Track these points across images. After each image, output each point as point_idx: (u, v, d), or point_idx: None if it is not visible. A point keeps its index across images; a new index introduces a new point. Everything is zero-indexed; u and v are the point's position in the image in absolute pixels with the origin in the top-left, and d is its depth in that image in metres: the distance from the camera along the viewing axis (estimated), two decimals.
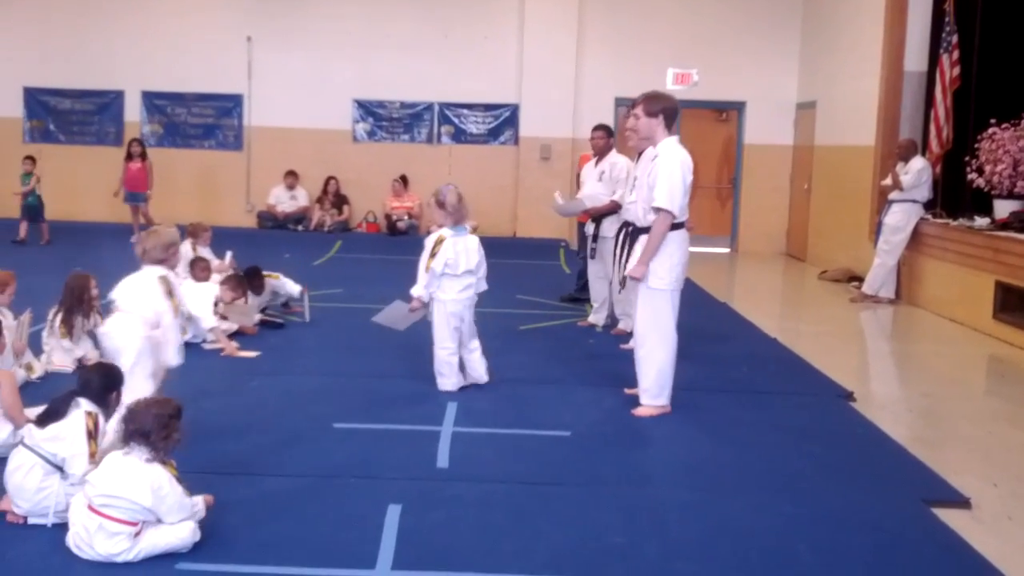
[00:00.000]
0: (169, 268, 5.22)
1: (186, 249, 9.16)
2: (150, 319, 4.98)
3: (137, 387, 4.62)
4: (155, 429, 3.72)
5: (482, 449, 5.15)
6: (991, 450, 5.63)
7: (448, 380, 6.28)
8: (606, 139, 8.47)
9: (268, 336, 7.76)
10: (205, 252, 9.34)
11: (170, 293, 5.06)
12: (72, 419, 4.06)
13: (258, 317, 8.02)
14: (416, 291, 6.24)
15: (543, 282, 11.02)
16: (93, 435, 4.04)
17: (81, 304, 6.47)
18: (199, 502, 3.90)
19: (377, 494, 4.41)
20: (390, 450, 5.08)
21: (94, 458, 3.99)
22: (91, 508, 3.69)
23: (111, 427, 4.17)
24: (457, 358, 6.31)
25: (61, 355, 6.43)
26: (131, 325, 4.97)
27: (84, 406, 4.10)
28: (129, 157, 13.49)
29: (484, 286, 6.49)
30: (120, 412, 3.98)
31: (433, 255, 6.16)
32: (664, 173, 5.62)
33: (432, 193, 6.28)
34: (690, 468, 5.07)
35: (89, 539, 3.66)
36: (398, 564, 3.75)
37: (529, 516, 4.26)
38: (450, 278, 6.21)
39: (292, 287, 8.52)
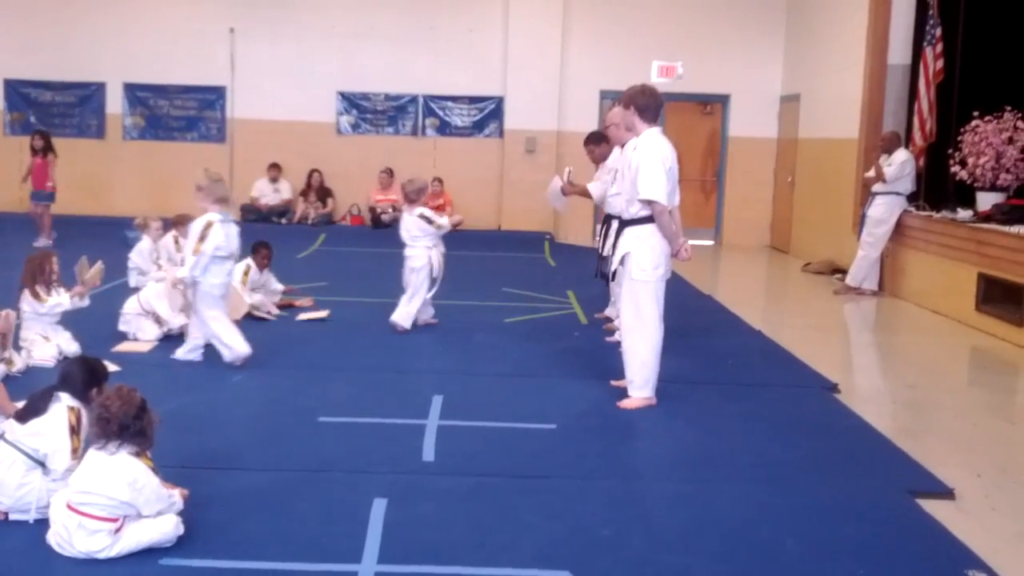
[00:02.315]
0: (421, 205, 7.79)
1: (168, 241, 9.13)
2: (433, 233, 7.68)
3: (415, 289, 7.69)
4: (147, 423, 3.69)
5: (468, 442, 5.14)
6: (975, 441, 5.66)
7: (237, 349, 6.46)
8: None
9: (252, 329, 7.69)
10: None
11: (430, 221, 7.66)
12: (54, 414, 4.01)
13: (246, 309, 7.97)
14: (181, 273, 6.39)
15: (528, 275, 11.03)
16: (76, 430, 4.00)
17: (44, 274, 6.50)
18: (175, 494, 3.86)
19: (363, 488, 4.39)
20: (375, 444, 5.06)
21: (76, 454, 3.95)
22: (70, 506, 3.64)
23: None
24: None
25: (42, 348, 6.39)
26: (422, 251, 7.62)
27: (66, 401, 4.05)
28: (32, 151, 12.63)
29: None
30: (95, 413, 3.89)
31: (202, 239, 6.28)
32: (643, 165, 5.64)
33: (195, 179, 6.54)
34: (676, 460, 5.08)
35: (69, 537, 3.63)
36: (384, 558, 3.73)
37: (515, 509, 4.25)
38: (218, 262, 6.37)
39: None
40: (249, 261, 8.14)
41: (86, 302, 6.72)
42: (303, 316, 8.18)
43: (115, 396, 3.73)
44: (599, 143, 7.97)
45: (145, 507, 3.69)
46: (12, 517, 3.94)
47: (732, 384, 6.56)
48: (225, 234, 6.36)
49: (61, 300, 6.51)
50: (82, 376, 4.14)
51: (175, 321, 7.14)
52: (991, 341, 8.41)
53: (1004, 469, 5.14)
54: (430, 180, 14.90)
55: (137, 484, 3.65)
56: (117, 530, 3.64)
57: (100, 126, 15.25)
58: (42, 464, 3.96)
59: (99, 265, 6.82)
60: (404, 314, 7.80)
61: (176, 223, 9.31)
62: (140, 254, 8.97)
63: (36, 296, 6.46)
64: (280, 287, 8.56)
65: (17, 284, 6.59)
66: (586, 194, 8.26)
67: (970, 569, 3.81)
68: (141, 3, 15.02)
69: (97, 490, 3.61)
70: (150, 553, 3.67)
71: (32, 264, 6.53)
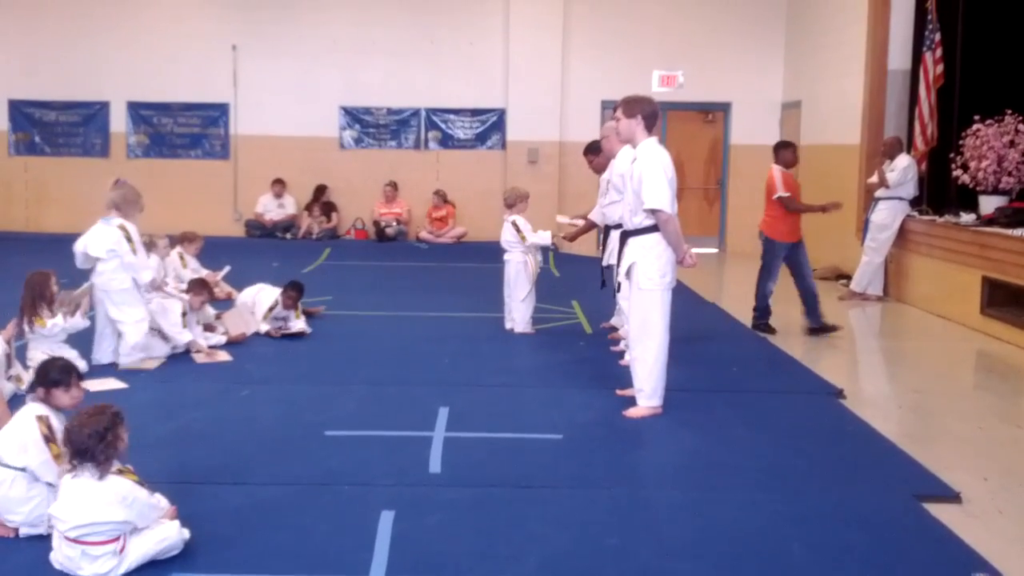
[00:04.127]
0: (517, 213, 8.22)
1: (174, 259, 9.18)
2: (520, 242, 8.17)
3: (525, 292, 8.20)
4: (93, 446, 3.62)
5: (474, 453, 5.15)
6: (981, 445, 5.66)
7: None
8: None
9: (258, 345, 7.75)
10: (192, 262, 9.34)
11: (518, 229, 8.15)
12: (24, 427, 3.99)
13: (255, 328, 7.99)
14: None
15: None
16: (50, 438, 3.96)
17: (44, 298, 6.53)
18: (160, 497, 3.86)
19: (370, 500, 4.40)
20: (382, 456, 5.07)
21: (60, 460, 3.90)
22: (68, 539, 3.62)
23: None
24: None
25: None
26: (518, 255, 8.17)
27: (34, 410, 4.03)
28: None
29: (144, 278, 6.92)
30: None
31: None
32: (646, 174, 5.67)
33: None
34: (682, 468, 5.08)
35: (75, 565, 3.63)
36: (392, 570, 3.74)
37: (522, 520, 4.26)
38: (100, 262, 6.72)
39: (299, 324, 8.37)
40: (278, 296, 8.12)
41: (85, 323, 6.73)
42: (287, 331, 8.06)
43: (83, 413, 3.72)
44: (598, 153, 7.98)
45: (140, 520, 3.70)
46: (23, 533, 3.96)
47: (737, 391, 6.56)
48: (95, 236, 6.67)
49: (57, 321, 6.52)
50: (52, 374, 4.12)
51: (182, 338, 7.17)
52: (996, 345, 8.41)
53: (1010, 472, 5.14)
54: (432, 192, 15.01)
55: (128, 500, 3.65)
56: (121, 549, 3.65)
57: (104, 145, 15.32)
58: None
59: (85, 286, 6.84)
60: (522, 320, 8.24)
61: (182, 240, 9.37)
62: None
63: (37, 318, 6.45)
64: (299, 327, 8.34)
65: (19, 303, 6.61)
66: (590, 228, 8.24)
67: (977, 572, 3.82)
68: (143, 22, 15.10)
69: (91, 519, 3.59)
70: (158, 568, 3.68)
71: (32, 287, 6.52)
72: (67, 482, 3.70)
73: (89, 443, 3.62)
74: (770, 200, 8.76)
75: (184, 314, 7.21)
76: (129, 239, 6.71)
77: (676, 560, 3.89)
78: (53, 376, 4.14)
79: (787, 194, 8.66)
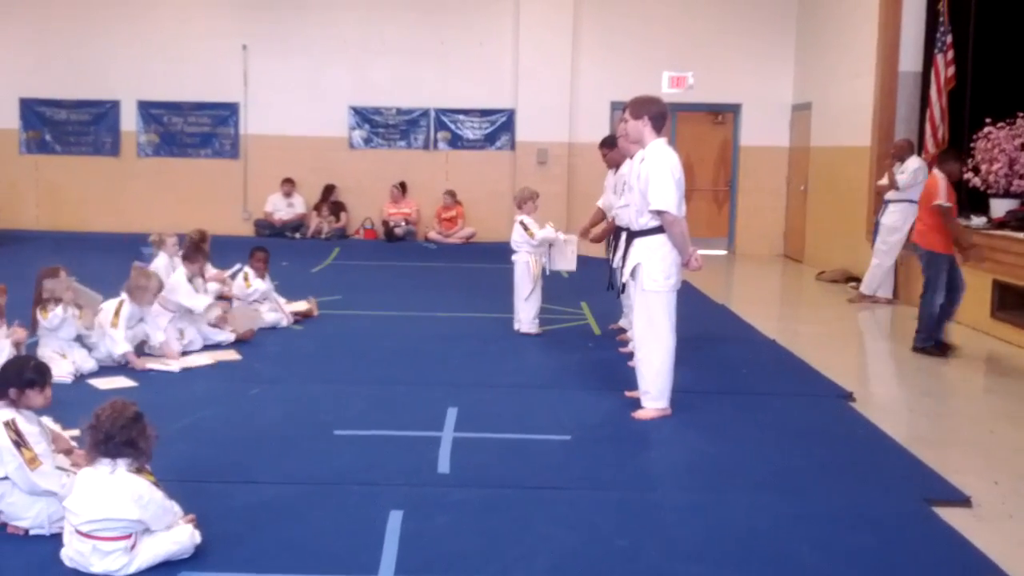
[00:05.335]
0: (526, 213, 8.21)
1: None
2: (534, 245, 8.18)
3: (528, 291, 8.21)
4: (138, 435, 3.65)
5: (483, 454, 5.15)
6: (991, 449, 5.64)
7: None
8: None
9: (268, 343, 7.76)
10: None
11: (526, 227, 8.15)
12: None
13: (262, 323, 8.03)
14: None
15: (542, 286, 11.01)
16: (21, 443, 3.90)
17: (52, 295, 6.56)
18: (176, 505, 3.85)
19: (379, 500, 4.41)
20: (391, 456, 5.08)
21: (36, 463, 3.89)
22: (80, 533, 3.63)
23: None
24: None
25: (59, 365, 6.43)
26: (523, 255, 8.17)
27: (1, 416, 3.94)
28: None
29: (115, 350, 6.78)
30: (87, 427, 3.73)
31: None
32: (654, 175, 5.65)
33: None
34: (691, 470, 5.08)
35: (86, 561, 3.63)
36: (400, 570, 3.75)
37: (531, 520, 4.26)
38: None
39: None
40: (247, 268, 8.22)
41: (90, 333, 6.73)
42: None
43: (108, 406, 3.70)
44: (613, 147, 7.89)
45: (153, 522, 3.69)
46: (32, 533, 3.97)
47: (746, 393, 6.55)
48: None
49: (57, 312, 6.53)
50: (27, 374, 4.04)
51: (201, 303, 7.24)
52: (1007, 348, 8.38)
53: (1021, 476, 5.12)
54: (443, 192, 15.03)
55: (143, 500, 3.64)
56: (132, 547, 3.65)
57: (115, 143, 15.37)
58: None
59: (95, 295, 6.85)
60: (526, 320, 8.26)
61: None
62: (156, 270, 9.01)
63: (42, 311, 6.50)
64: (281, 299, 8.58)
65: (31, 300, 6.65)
66: (611, 229, 8.13)
67: None
68: (154, 21, 15.15)
69: (104, 515, 3.59)
70: (168, 566, 3.69)
71: (41, 281, 6.55)
72: (84, 475, 3.70)
73: (132, 434, 3.63)
74: (927, 208, 8.16)
75: (190, 280, 7.39)
76: (117, 313, 6.79)
77: (685, 561, 3.88)
78: (28, 376, 4.04)
79: (948, 204, 8.00)
